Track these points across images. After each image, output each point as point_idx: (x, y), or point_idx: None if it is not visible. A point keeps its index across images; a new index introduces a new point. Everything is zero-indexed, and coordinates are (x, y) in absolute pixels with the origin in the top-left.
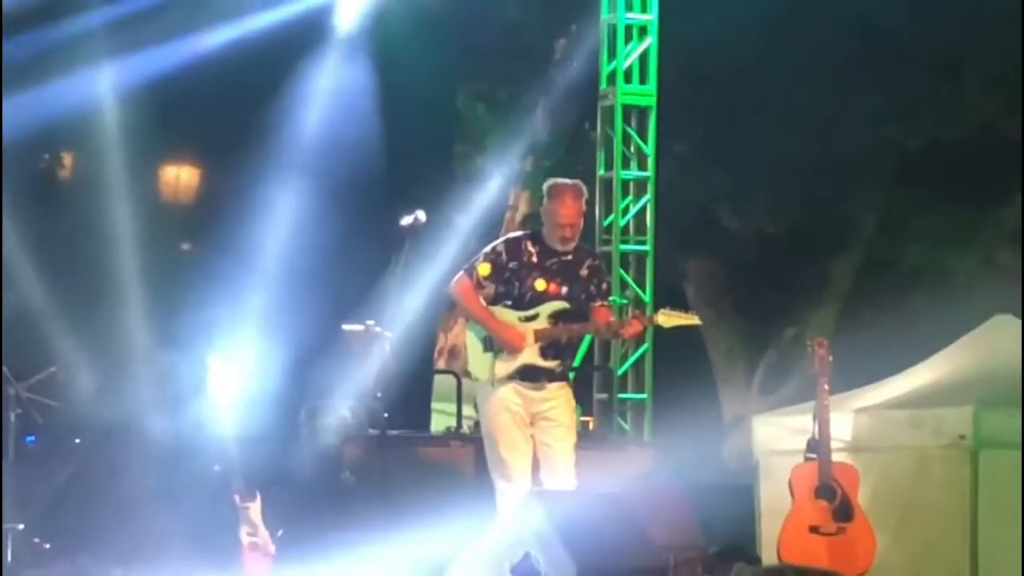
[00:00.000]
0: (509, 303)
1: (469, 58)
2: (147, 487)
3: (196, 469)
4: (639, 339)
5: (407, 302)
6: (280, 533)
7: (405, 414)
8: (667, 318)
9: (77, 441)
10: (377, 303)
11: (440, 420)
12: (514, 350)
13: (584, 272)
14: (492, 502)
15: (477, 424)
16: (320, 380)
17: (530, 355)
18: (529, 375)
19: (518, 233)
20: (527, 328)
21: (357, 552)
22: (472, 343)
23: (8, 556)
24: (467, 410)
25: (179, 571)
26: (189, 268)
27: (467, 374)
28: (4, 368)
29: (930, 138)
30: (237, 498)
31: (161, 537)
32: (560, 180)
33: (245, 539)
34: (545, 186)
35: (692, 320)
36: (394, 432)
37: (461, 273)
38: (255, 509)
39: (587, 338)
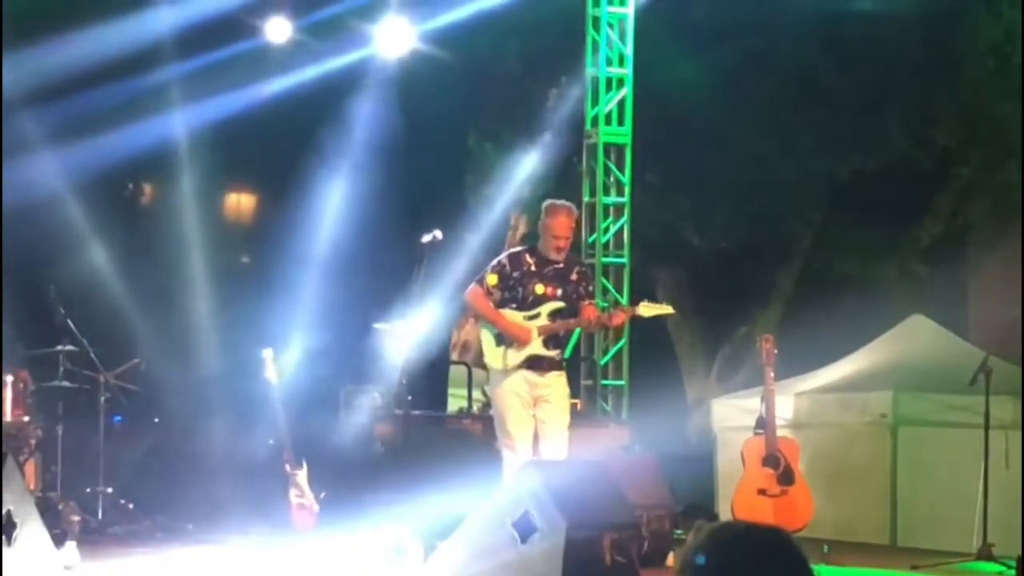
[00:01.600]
0: (514, 306)
1: (479, 104)
2: (214, 458)
3: (253, 443)
4: (618, 334)
5: (427, 305)
6: (323, 495)
7: (426, 397)
8: (647, 309)
9: (156, 420)
10: (402, 306)
11: (454, 403)
12: (523, 342)
13: (574, 277)
14: (497, 470)
15: (485, 405)
16: (356, 369)
17: (536, 346)
18: (535, 363)
19: (518, 248)
20: (531, 325)
21: (387, 511)
22: (487, 339)
23: (99, 514)
24: (476, 394)
25: (240, 527)
26: (248, 277)
27: (482, 365)
28: (94, 357)
29: (856, 169)
30: (287, 466)
31: (225, 498)
32: (555, 201)
33: (294, 500)
34: (544, 205)
35: (667, 310)
36: (416, 412)
37: (473, 283)
38: (302, 476)
39: (575, 334)
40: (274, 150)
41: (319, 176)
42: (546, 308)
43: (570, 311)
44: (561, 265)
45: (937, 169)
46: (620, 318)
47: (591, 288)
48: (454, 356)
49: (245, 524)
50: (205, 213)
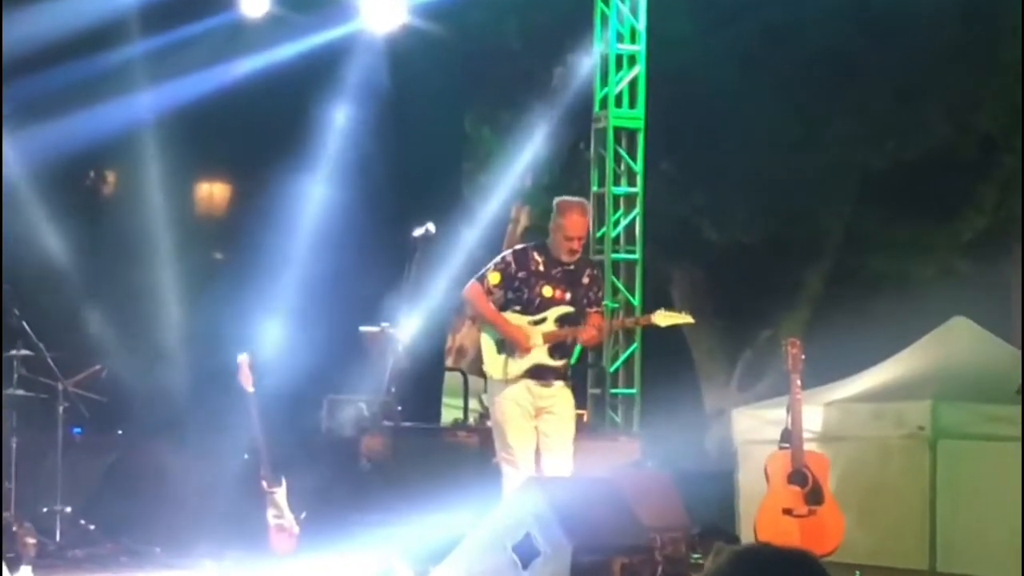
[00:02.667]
0: (519, 308)
1: (475, 84)
2: (184, 474)
3: (226, 458)
4: (629, 339)
5: (418, 306)
6: (304, 515)
7: (417, 408)
8: (664, 317)
9: (120, 432)
10: (391, 307)
11: (448, 413)
12: (524, 348)
13: (585, 280)
14: (495, 487)
15: (482, 416)
16: (339, 377)
17: (540, 355)
18: (539, 374)
19: (524, 245)
20: (536, 331)
21: (374, 532)
22: (487, 345)
23: (57, 536)
24: (473, 404)
25: (213, 550)
26: (222, 275)
27: (479, 372)
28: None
29: (891, 158)
30: (264, 484)
31: (196, 519)
32: (568, 198)
33: (272, 521)
34: (556, 202)
35: (686, 319)
36: (407, 424)
37: (473, 280)
38: (281, 494)
39: None
40: (250, 136)
41: (300, 164)
42: (553, 313)
43: (579, 317)
44: (572, 267)
45: (980, 157)
46: (632, 324)
47: (601, 294)
48: (449, 362)
49: (218, 547)
50: (174, 205)
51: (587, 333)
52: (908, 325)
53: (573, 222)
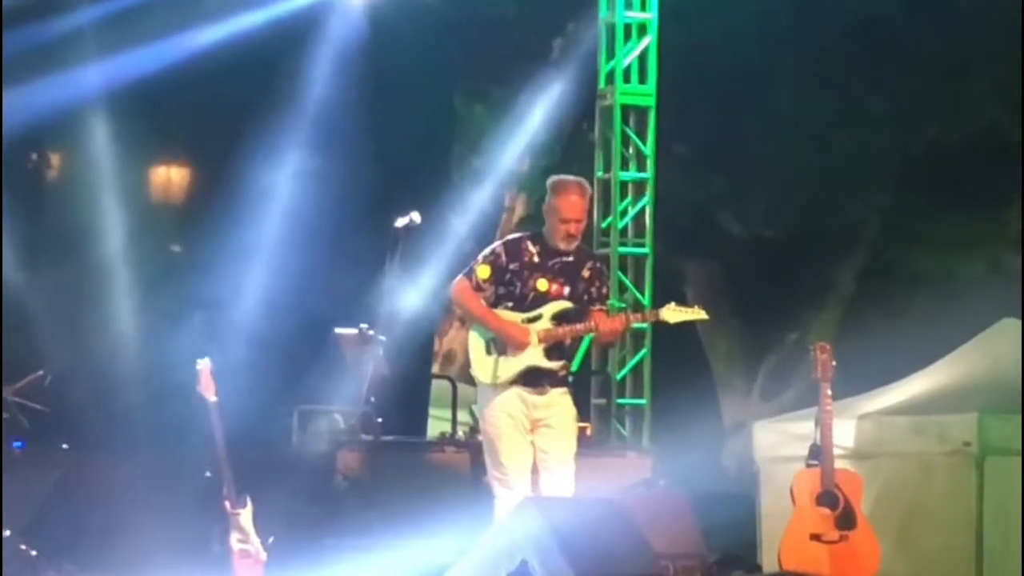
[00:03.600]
0: (511, 304)
1: (465, 57)
2: (137, 493)
3: (185, 475)
4: (638, 343)
5: (402, 305)
6: (271, 540)
7: (400, 420)
8: (674, 313)
9: (65, 447)
10: (371, 306)
11: (436, 426)
12: (519, 346)
13: (586, 273)
14: (488, 508)
15: (472, 429)
16: (312, 384)
17: (534, 356)
18: (532, 379)
19: (518, 234)
20: (531, 329)
21: (351, 559)
22: (475, 346)
23: None
24: (462, 416)
25: None
26: (180, 270)
27: (469, 379)
28: None
29: (933, 140)
30: (227, 504)
31: (151, 543)
32: (565, 176)
33: (236, 546)
34: (549, 182)
35: (699, 315)
36: (388, 437)
37: (460, 276)
38: (246, 515)
39: (585, 342)
40: (213, 114)
41: (267, 146)
42: (550, 309)
43: (579, 314)
44: (571, 258)
45: None
46: (639, 321)
47: (605, 291)
48: (436, 368)
49: (175, 575)
50: (127, 190)
51: (607, 324)
52: (952, 328)
53: (569, 203)
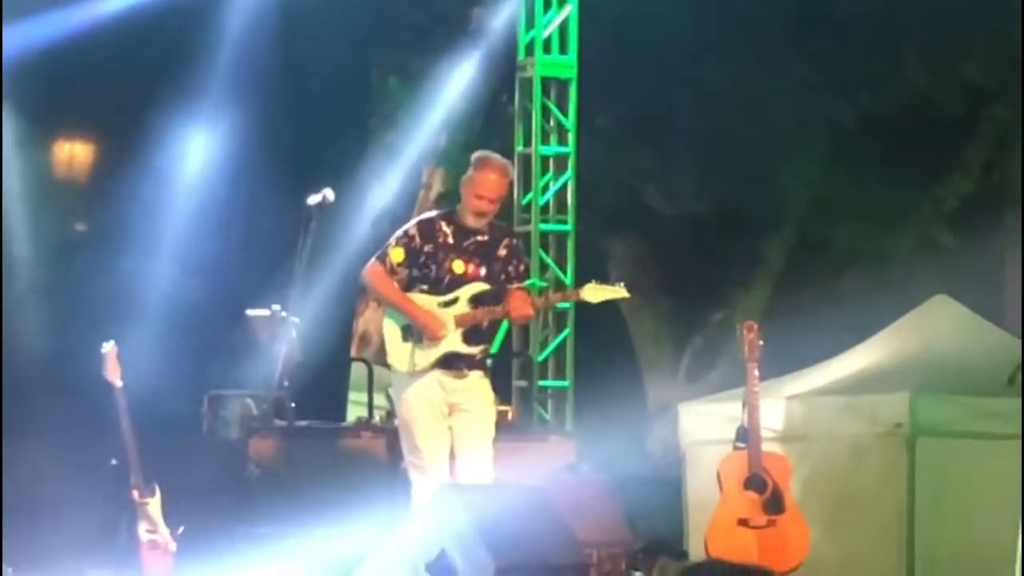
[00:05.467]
0: (426, 288)
1: (381, 27)
2: (40, 482)
3: (91, 463)
4: (560, 324)
5: (315, 285)
6: (181, 530)
7: (316, 404)
8: (595, 292)
9: None
10: (283, 287)
11: (355, 411)
12: (434, 335)
13: (502, 252)
14: (406, 496)
15: (389, 414)
16: (223, 368)
17: (453, 342)
18: (451, 363)
19: (431, 214)
20: (447, 313)
21: (264, 548)
22: (390, 332)
23: None
24: (379, 399)
25: (74, 569)
26: (84, 250)
27: (386, 365)
28: None
29: (865, 113)
30: (135, 493)
31: (55, 534)
32: (490, 153)
33: (144, 536)
34: (473, 156)
35: (621, 293)
36: (302, 423)
37: (373, 259)
38: (154, 505)
39: (504, 324)
40: (117, 87)
41: (175, 120)
42: (466, 291)
43: (497, 295)
44: (485, 236)
45: (967, 113)
46: (559, 301)
47: (523, 268)
48: (353, 351)
49: (80, 567)
50: (27, 167)
51: (519, 308)
52: (883, 306)
53: (487, 180)
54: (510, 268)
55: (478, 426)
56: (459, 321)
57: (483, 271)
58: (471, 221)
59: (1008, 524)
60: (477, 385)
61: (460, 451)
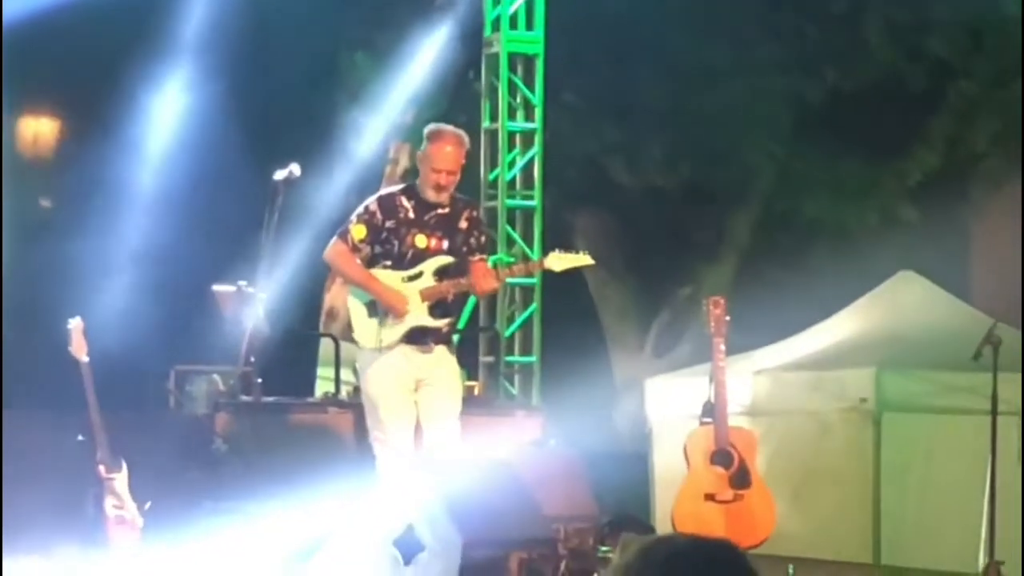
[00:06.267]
0: (389, 263)
1: (346, 2)
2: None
3: (57, 439)
4: (527, 298)
5: (282, 261)
6: (148, 505)
7: (283, 380)
8: (559, 260)
9: None
10: (249, 262)
11: (325, 386)
12: (399, 312)
13: (463, 224)
14: (372, 471)
15: (356, 389)
16: (189, 344)
17: (418, 316)
18: (418, 337)
19: (391, 189)
20: (411, 288)
21: (231, 523)
22: (355, 309)
23: None
24: (347, 375)
25: (40, 545)
26: (50, 226)
27: (352, 341)
28: None
29: (830, 88)
30: (102, 469)
31: (21, 510)
32: (443, 125)
33: (111, 512)
34: (426, 130)
35: (585, 260)
36: (269, 398)
37: (335, 238)
38: (121, 480)
39: (472, 298)
40: (83, 64)
41: (140, 96)
42: (430, 265)
43: (460, 268)
44: (447, 209)
45: (931, 87)
46: (522, 272)
47: (484, 239)
48: (321, 326)
49: (46, 541)
50: None
51: (482, 281)
52: (848, 281)
53: (443, 152)
54: (472, 240)
55: (445, 399)
56: (424, 295)
57: (446, 244)
58: (431, 195)
59: (972, 498)
60: (443, 359)
61: (427, 425)
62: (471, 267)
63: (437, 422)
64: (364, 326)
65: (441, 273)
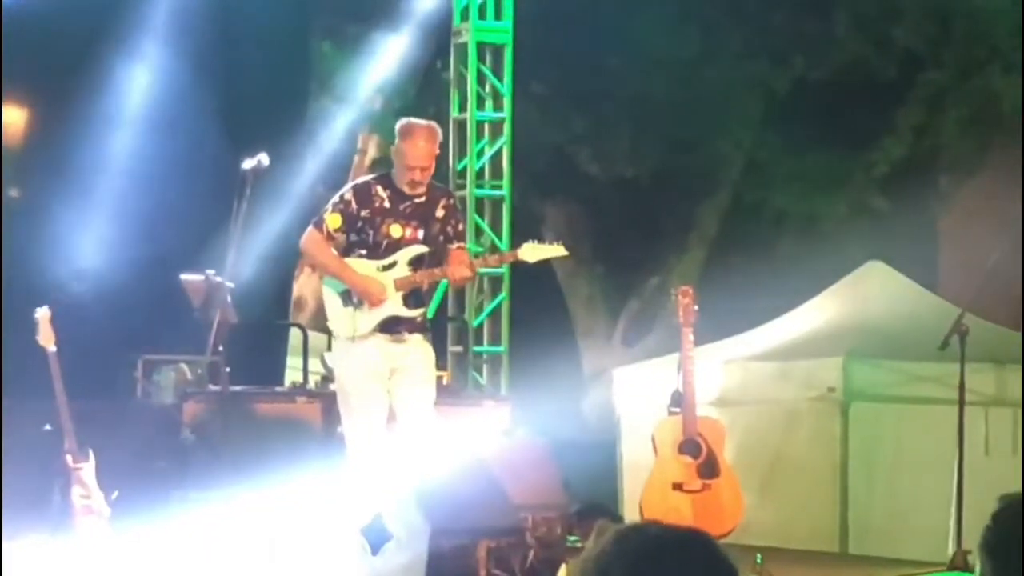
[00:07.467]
0: (364, 253)
1: None
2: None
3: (24, 428)
4: (495, 288)
5: (249, 251)
6: (115, 495)
7: (254, 369)
8: (532, 251)
9: None
10: (217, 251)
11: (293, 376)
12: (375, 301)
13: (440, 213)
14: (341, 460)
15: (324, 379)
16: (156, 333)
17: (393, 306)
18: (392, 327)
19: (367, 178)
20: (386, 277)
21: (198, 513)
22: (330, 299)
23: None
24: (314, 364)
25: (7, 536)
26: (17, 215)
27: (321, 328)
28: None
29: (798, 77)
30: (69, 458)
31: None
32: (414, 120)
33: (78, 502)
34: (398, 125)
35: (559, 251)
36: (237, 388)
37: (310, 226)
38: (88, 470)
39: (441, 288)
40: (50, 51)
41: (108, 83)
42: (405, 255)
43: (435, 257)
44: (423, 199)
45: (899, 76)
46: (497, 262)
47: (461, 227)
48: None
49: (12, 531)
50: None
51: (457, 270)
52: (816, 271)
53: (416, 148)
54: (448, 228)
55: (419, 388)
56: (399, 285)
57: (421, 233)
58: (408, 190)
59: (940, 488)
60: (418, 348)
61: (402, 414)
62: (448, 255)
63: (413, 410)
64: (339, 315)
65: (415, 263)
